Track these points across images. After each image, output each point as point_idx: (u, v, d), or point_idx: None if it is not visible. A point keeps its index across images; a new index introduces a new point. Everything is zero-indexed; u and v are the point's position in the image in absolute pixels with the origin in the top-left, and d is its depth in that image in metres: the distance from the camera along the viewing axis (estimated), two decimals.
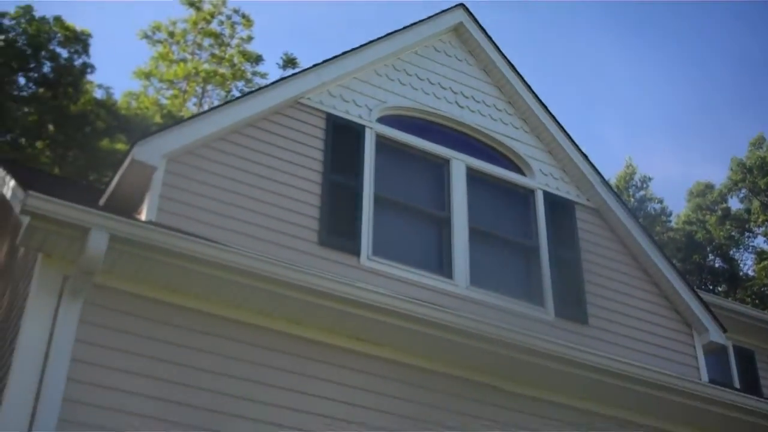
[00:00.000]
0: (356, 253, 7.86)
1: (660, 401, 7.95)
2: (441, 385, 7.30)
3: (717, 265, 36.33)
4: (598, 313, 8.96)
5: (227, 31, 29.03)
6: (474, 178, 9.00)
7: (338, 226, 7.91)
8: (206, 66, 28.19)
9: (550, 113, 9.69)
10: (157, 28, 28.32)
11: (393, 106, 8.93)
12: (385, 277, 7.86)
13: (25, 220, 5.97)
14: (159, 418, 6.11)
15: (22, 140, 22.34)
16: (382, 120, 8.81)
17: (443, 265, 8.38)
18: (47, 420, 5.71)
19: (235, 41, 29.12)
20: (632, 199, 36.64)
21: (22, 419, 5.68)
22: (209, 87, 28.28)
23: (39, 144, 22.46)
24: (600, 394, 7.84)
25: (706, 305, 9.64)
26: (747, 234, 36.71)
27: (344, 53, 8.76)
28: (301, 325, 6.89)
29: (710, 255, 36.29)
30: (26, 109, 22.67)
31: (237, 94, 27.08)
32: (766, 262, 34.39)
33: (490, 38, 9.78)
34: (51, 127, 22.64)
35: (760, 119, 51.84)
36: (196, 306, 6.58)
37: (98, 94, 24.70)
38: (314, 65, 8.56)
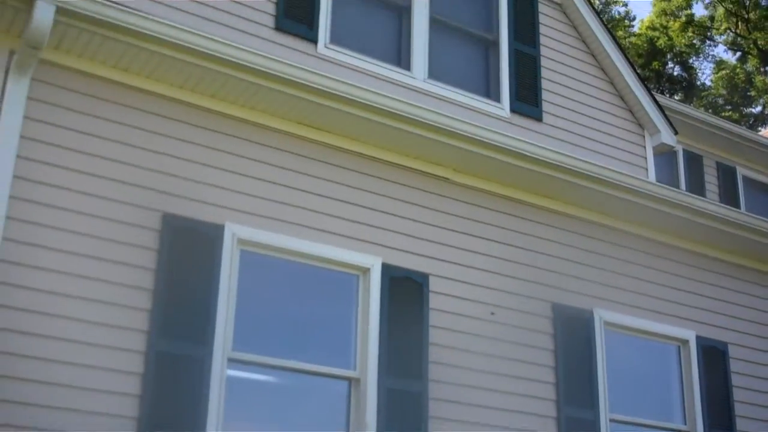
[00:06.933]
0: (314, 40, 7.73)
1: (607, 198, 8.13)
2: (390, 174, 7.37)
3: (676, 73, 36.43)
4: (553, 110, 9.00)
5: None
6: None
7: (296, 11, 7.70)
8: None
9: None
10: None
11: None
12: (341, 66, 7.76)
13: None
14: (106, 198, 6.13)
15: None
16: None
17: (402, 57, 8.27)
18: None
19: None
20: (597, 1, 36.10)
21: None
22: None
23: None
24: (550, 190, 7.99)
25: (659, 106, 9.73)
26: (708, 43, 36.61)
27: None
28: (247, 107, 6.79)
29: (670, 62, 36.30)
30: None
31: None
32: (723, 72, 34.53)
33: None
34: None
35: None
36: (148, 86, 6.45)
37: None
38: None
